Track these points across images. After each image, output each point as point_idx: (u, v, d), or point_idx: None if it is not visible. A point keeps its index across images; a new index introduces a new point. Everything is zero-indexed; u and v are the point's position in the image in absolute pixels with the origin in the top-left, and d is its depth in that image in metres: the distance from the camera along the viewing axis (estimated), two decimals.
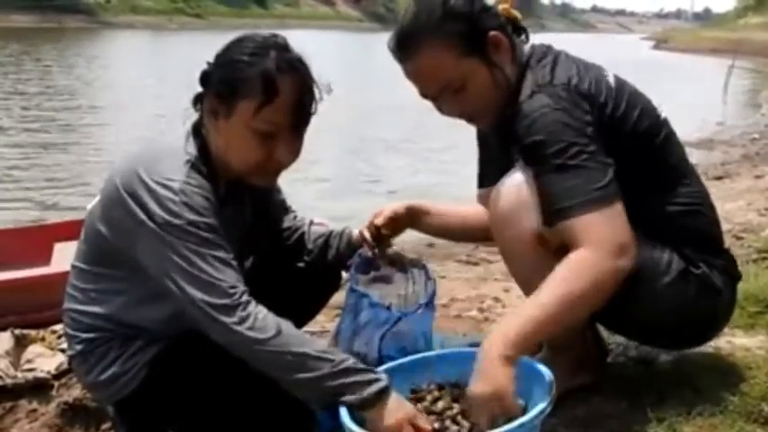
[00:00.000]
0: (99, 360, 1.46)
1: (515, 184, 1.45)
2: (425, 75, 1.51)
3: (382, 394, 1.29)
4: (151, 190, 1.32)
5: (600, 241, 1.32)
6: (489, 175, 1.75)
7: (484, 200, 1.76)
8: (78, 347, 1.49)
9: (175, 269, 1.30)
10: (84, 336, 1.47)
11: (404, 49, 1.51)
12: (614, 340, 1.85)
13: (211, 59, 1.45)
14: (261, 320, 1.29)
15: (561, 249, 1.36)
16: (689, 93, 14.34)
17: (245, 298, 1.30)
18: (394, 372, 1.41)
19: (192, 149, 1.41)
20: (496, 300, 2.71)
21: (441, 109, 1.57)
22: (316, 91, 1.43)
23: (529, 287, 1.43)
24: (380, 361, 1.51)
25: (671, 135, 1.57)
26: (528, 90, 1.46)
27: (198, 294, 1.28)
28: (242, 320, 1.27)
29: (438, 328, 2.15)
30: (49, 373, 1.96)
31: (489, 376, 1.24)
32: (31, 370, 1.98)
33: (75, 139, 8.46)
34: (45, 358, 2.03)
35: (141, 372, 1.45)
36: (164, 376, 1.44)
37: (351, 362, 1.31)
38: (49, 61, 17.62)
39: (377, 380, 1.30)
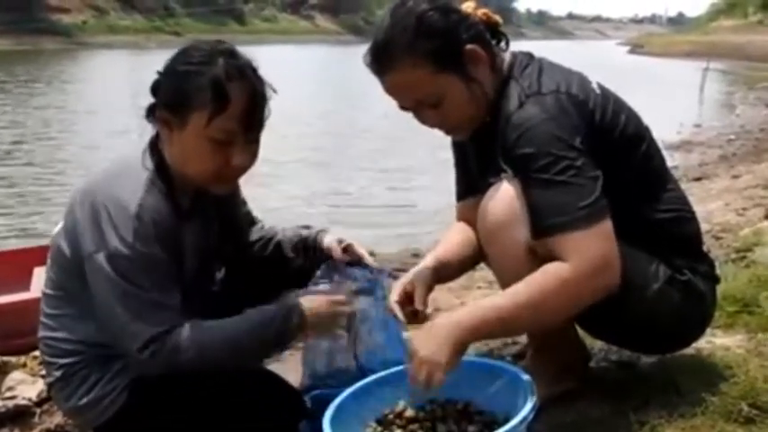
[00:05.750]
0: (80, 384, 1.45)
1: (504, 195, 1.43)
2: (400, 90, 1.50)
3: (302, 313, 1.45)
4: (107, 216, 1.32)
5: (582, 260, 1.32)
6: (469, 186, 1.73)
7: (466, 212, 1.73)
8: (57, 374, 1.47)
9: (118, 302, 1.33)
10: (63, 361, 1.46)
11: (378, 64, 1.49)
12: (596, 345, 1.86)
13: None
14: (176, 341, 1.34)
15: (550, 260, 1.35)
16: (665, 96, 14.51)
17: (165, 330, 1.34)
18: (379, 385, 1.41)
19: (150, 164, 1.41)
20: None
21: (420, 120, 1.56)
22: (268, 93, 1.43)
23: None
24: (363, 374, 1.51)
25: (653, 141, 1.58)
26: (515, 100, 1.43)
27: (134, 327, 1.33)
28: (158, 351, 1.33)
29: None
30: (30, 400, 1.94)
31: (439, 349, 1.29)
32: (12, 398, 1.95)
33: (53, 163, 8.36)
34: (26, 385, 2.00)
35: (123, 394, 1.44)
36: (145, 398, 1.43)
37: (269, 313, 1.44)
38: (25, 84, 17.43)
39: (291, 304, 1.46)
